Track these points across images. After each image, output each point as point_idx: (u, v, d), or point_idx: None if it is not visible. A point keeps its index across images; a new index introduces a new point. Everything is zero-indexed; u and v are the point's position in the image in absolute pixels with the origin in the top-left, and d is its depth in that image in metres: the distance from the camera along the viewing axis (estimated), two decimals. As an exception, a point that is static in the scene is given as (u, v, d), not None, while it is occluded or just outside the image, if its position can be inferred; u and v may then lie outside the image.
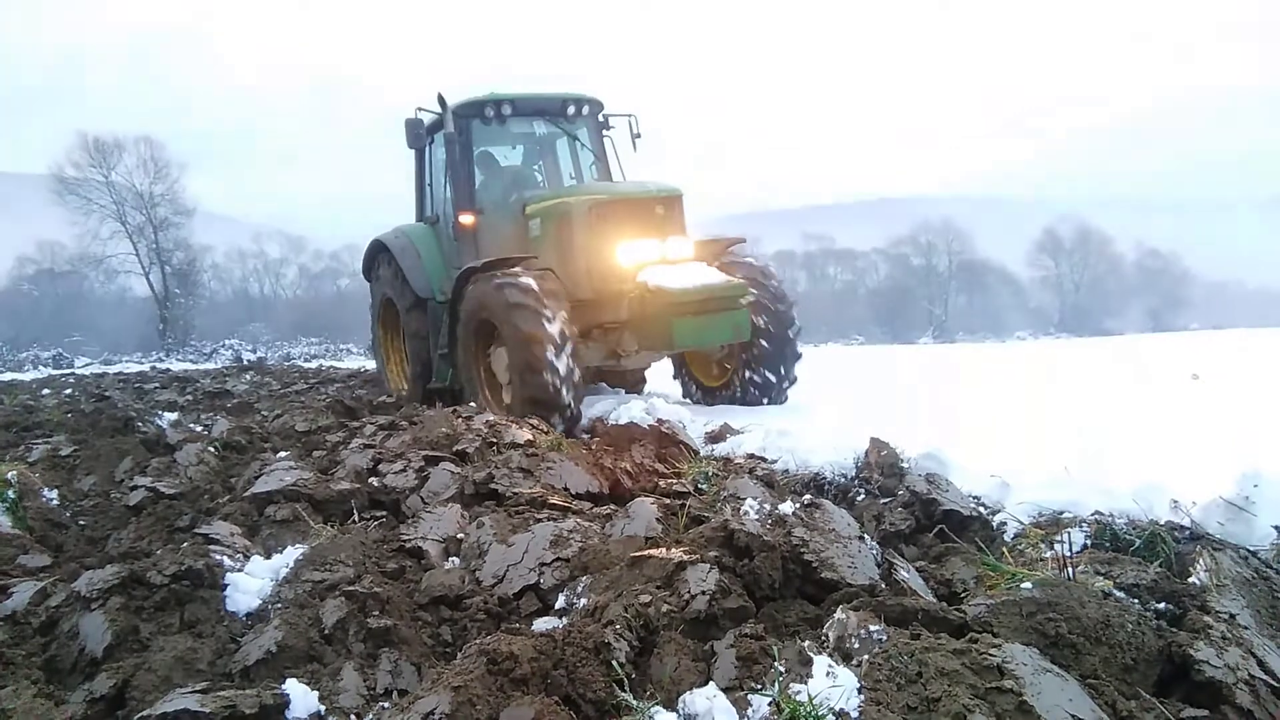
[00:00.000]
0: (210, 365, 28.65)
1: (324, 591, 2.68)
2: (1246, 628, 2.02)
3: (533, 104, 9.29)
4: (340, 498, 3.97)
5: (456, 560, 3.13)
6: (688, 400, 9.22)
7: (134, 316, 51.27)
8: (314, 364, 26.47)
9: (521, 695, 1.84)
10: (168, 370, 22.61)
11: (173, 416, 8.33)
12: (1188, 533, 2.73)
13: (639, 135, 9.55)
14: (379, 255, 10.09)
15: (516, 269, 7.27)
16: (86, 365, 32.70)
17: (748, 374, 8.50)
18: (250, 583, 2.86)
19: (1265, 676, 1.80)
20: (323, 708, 2.12)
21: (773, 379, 8.43)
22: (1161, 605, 2.09)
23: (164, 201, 49.38)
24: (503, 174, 9.58)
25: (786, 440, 5.13)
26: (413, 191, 10.13)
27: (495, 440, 5.09)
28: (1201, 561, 2.32)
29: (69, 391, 14.48)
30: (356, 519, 3.80)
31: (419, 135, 8.92)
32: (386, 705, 2.09)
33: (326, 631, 2.43)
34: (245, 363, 26.64)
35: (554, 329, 6.74)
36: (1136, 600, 2.07)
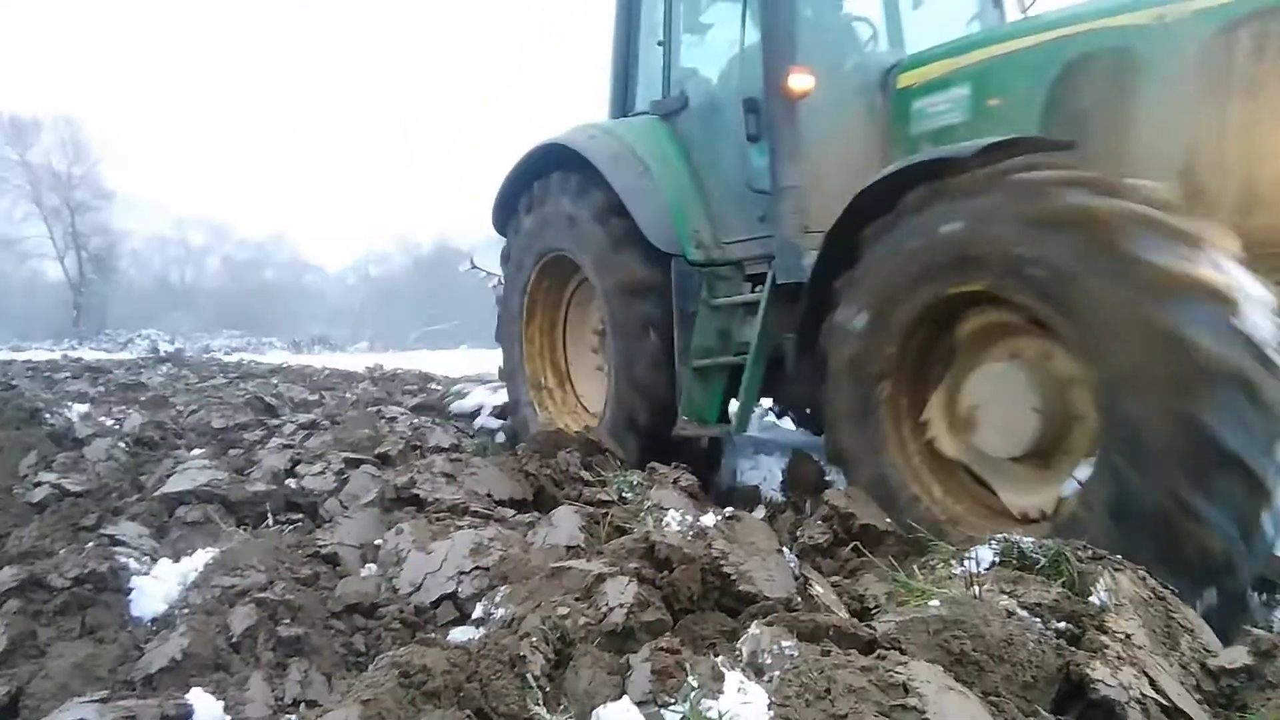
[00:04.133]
0: (125, 355, 27.75)
1: (234, 597, 2.62)
2: (1141, 647, 2.11)
3: None
4: (255, 499, 3.89)
5: (373, 567, 3.09)
6: None
7: (46, 302, 49.56)
8: (234, 358, 25.88)
9: (433, 709, 1.82)
10: (80, 359, 21.80)
11: (83, 409, 8.04)
12: (1090, 552, 2.83)
13: None
14: (542, 177, 5.59)
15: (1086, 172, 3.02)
16: (-8, 351, 31.42)
17: None
18: (156, 587, 2.78)
19: (1156, 695, 1.88)
20: (228, 718, 2.07)
21: None
22: (1062, 624, 2.16)
23: (82, 184, 47.86)
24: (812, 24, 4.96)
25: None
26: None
27: (419, 443, 5.04)
28: (1102, 581, 2.41)
29: (-28, 379, 13.88)
30: (271, 522, 3.73)
31: None
32: (293, 718, 2.05)
33: (234, 639, 2.38)
34: (162, 354, 25.89)
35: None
36: (1038, 619, 2.14)
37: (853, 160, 4.38)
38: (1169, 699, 1.89)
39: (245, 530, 3.52)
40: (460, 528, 3.16)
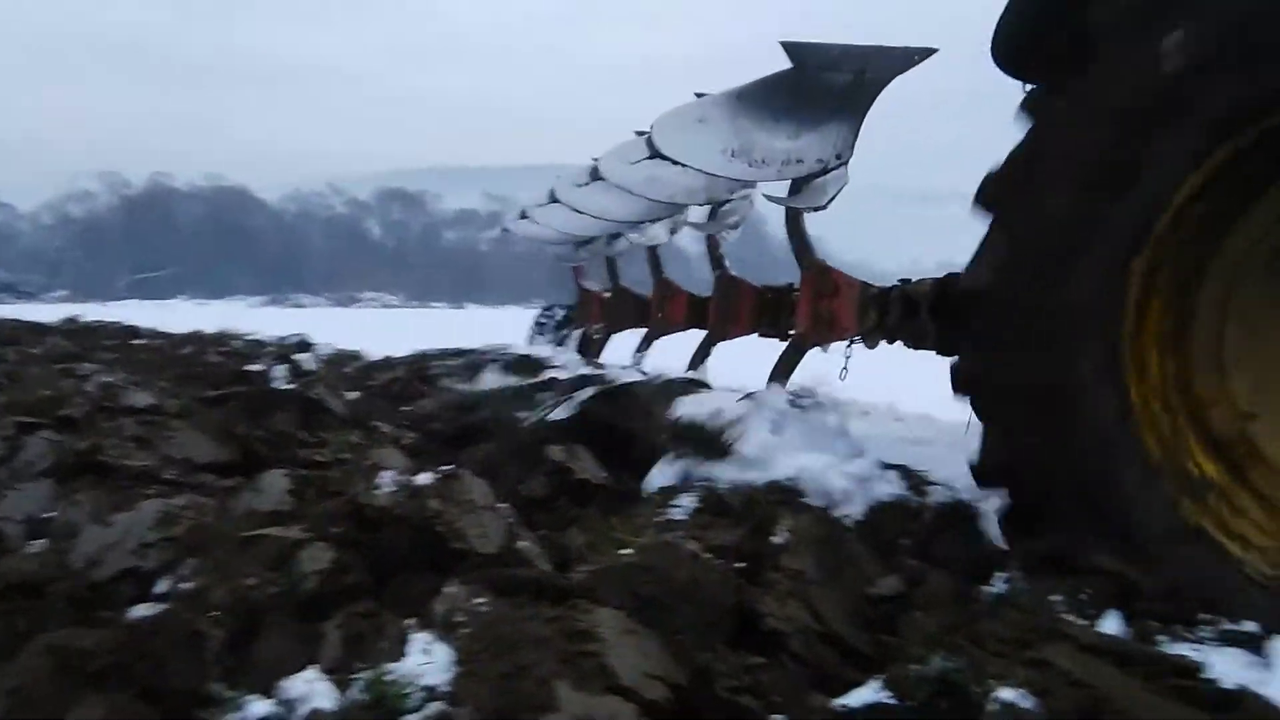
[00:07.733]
0: None
1: None
2: (811, 582, 2.32)
3: None
4: (-98, 473, 3.39)
5: (45, 543, 2.80)
6: None
7: None
8: (-105, 307, 22.44)
9: (94, 692, 1.68)
10: None
11: None
12: (779, 496, 3.07)
13: None
14: None
15: None
16: None
17: None
18: None
19: (818, 626, 2.08)
20: None
21: None
22: (743, 564, 2.34)
23: None
24: None
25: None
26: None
27: (110, 404, 4.59)
28: (783, 522, 2.62)
29: None
30: (-79, 498, 3.27)
31: None
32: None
33: None
34: None
35: None
36: (722, 560, 2.30)
37: None
38: (828, 626, 2.10)
39: (-115, 508, 3.06)
40: (149, 496, 2.92)
